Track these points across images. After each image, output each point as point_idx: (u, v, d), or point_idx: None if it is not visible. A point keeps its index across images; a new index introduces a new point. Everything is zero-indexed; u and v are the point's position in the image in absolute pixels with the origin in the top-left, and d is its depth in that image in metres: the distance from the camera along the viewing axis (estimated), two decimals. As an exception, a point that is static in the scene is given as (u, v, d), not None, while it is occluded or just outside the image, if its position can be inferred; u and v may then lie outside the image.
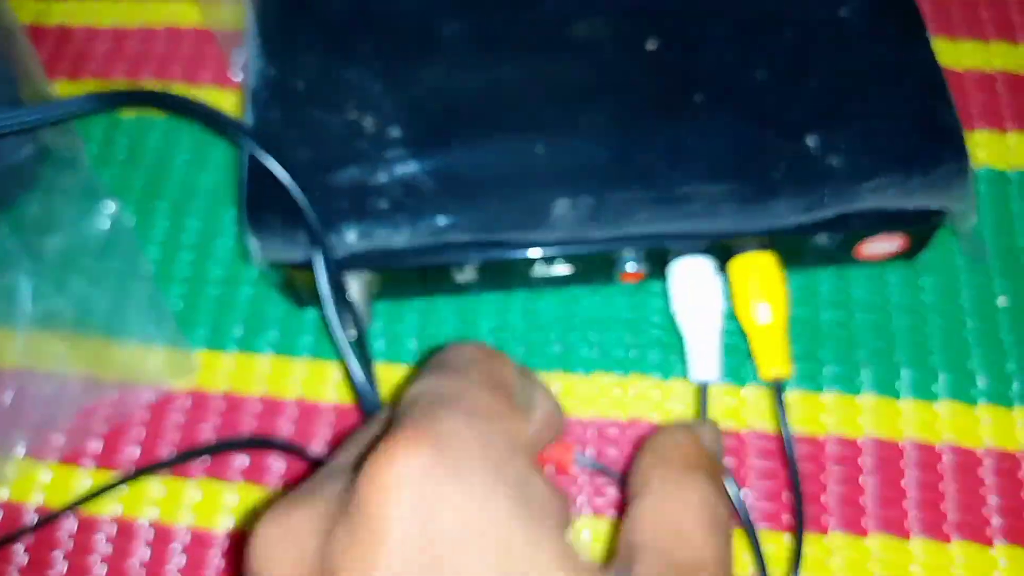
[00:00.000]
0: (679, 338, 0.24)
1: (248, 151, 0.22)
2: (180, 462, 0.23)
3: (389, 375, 0.24)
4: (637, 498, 0.15)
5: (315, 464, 0.23)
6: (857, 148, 0.22)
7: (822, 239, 0.23)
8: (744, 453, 0.23)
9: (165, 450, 0.24)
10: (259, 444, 0.24)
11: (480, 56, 0.24)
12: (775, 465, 0.23)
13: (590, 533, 0.22)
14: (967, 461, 0.23)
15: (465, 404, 0.13)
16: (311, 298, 0.25)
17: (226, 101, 0.29)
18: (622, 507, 0.16)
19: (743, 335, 0.23)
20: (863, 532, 0.22)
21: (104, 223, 0.26)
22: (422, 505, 0.11)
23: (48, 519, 0.23)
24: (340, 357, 0.25)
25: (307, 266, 0.22)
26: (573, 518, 0.13)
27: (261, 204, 0.22)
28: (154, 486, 0.23)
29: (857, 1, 0.25)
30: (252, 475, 0.23)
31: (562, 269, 0.23)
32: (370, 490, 0.11)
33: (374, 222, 0.22)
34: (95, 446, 0.24)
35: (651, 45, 0.24)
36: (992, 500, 0.22)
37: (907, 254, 0.24)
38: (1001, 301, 0.25)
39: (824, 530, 0.22)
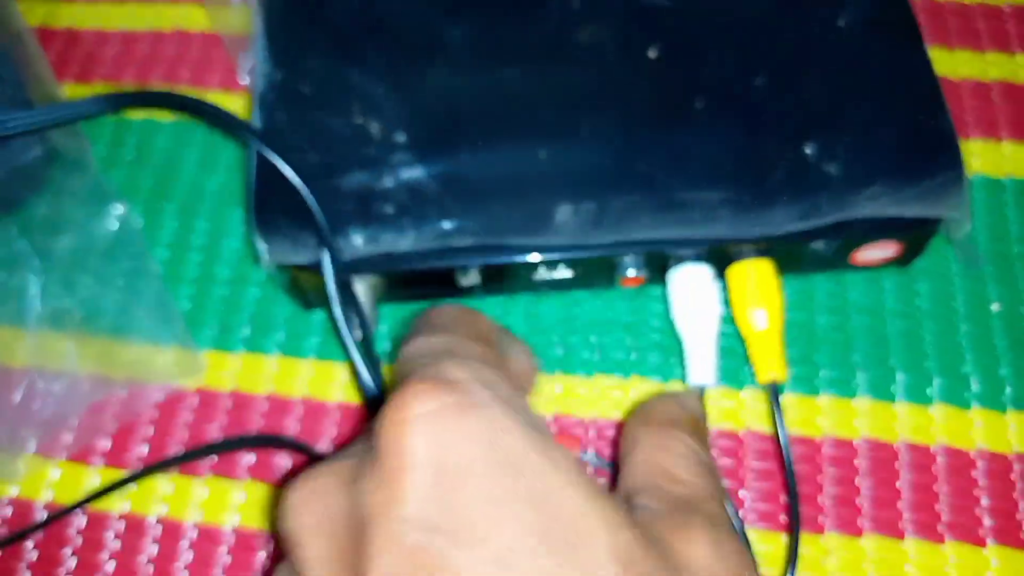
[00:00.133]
0: (678, 342, 0.24)
1: (258, 152, 0.23)
2: (189, 459, 0.24)
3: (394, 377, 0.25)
4: (628, 455, 0.15)
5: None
6: (854, 156, 0.23)
7: (819, 246, 0.23)
8: (742, 455, 0.23)
9: (173, 448, 0.24)
10: (266, 442, 0.24)
11: (484, 63, 0.24)
12: (772, 466, 0.23)
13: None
14: (960, 463, 0.23)
15: (460, 353, 0.13)
16: (318, 300, 0.25)
17: (233, 105, 0.29)
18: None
19: (741, 340, 0.24)
20: (858, 532, 0.23)
21: (112, 224, 0.26)
22: (439, 439, 0.12)
23: (58, 516, 0.23)
24: (347, 358, 0.25)
25: (314, 268, 0.22)
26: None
27: (269, 206, 0.23)
28: (162, 483, 0.24)
29: (855, 11, 0.25)
30: (259, 473, 0.24)
31: (564, 273, 0.24)
32: (388, 434, 0.12)
33: (380, 226, 0.22)
34: (104, 444, 0.25)
35: (652, 53, 0.24)
36: (985, 502, 0.23)
37: (902, 260, 0.25)
38: (995, 307, 0.25)
39: (820, 530, 0.23)
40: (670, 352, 0.25)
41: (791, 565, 0.22)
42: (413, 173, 0.23)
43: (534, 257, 0.23)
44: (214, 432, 0.24)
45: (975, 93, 0.29)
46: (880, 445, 0.24)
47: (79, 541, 0.23)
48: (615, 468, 0.23)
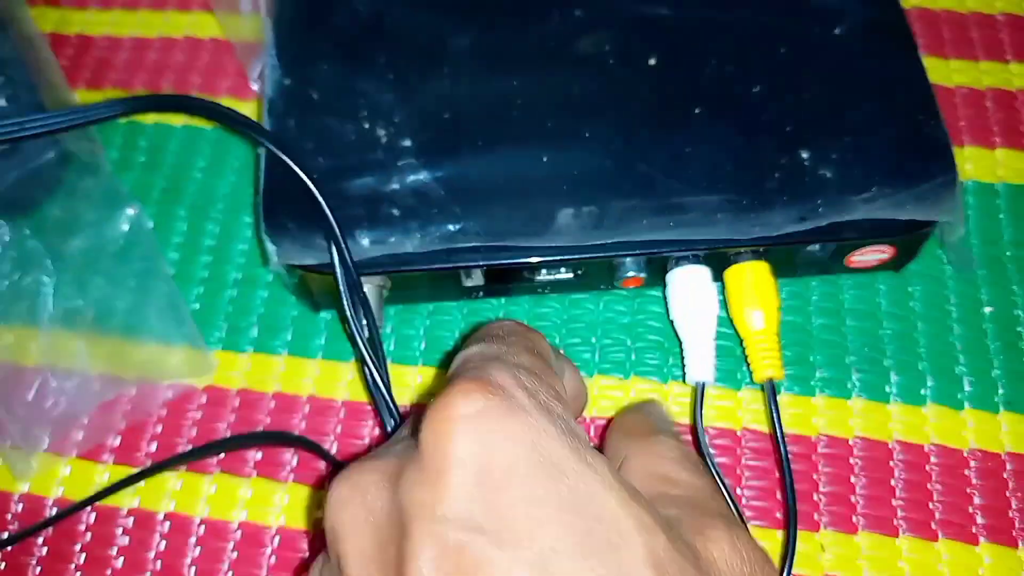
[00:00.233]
0: (677, 343, 0.25)
1: (267, 155, 0.23)
2: (198, 457, 0.24)
3: (399, 376, 0.25)
4: (619, 471, 0.16)
5: (328, 459, 0.24)
6: (850, 161, 0.23)
7: (814, 249, 0.24)
8: (739, 453, 0.24)
9: (182, 445, 0.25)
10: (274, 439, 0.25)
11: (488, 69, 0.25)
12: (769, 464, 0.24)
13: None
14: (953, 462, 0.24)
15: (509, 361, 0.14)
16: (325, 301, 0.26)
17: (243, 111, 0.30)
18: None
19: (738, 341, 0.24)
20: (853, 530, 0.23)
21: (124, 226, 0.27)
22: (483, 440, 0.12)
23: (68, 512, 0.24)
24: (355, 356, 0.26)
25: (322, 269, 0.23)
26: None
27: (278, 208, 0.23)
28: (171, 480, 0.24)
29: (851, 20, 0.26)
30: (265, 469, 0.24)
31: (565, 275, 0.24)
32: (433, 432, 0.12)
33: (386, 228, 0.23)
34: (114, 441, 0.25)
35: (652, 61, 0.25)
36: (977, 500, 0.23)
37: (896, 264, 0.25)
38: (987, 309, 0.26)
39: (816, 527, 0.23)
40: (669, 352, 0.25)
41: (787, 561, 0.22)
42: (419, 177, 0.23)
43: (536, 259, 0.23)
44: (222, 430, 0.25)
45: (969, 100, 0.29)
46: (875, 444, 0.24)
47: (88, 537, 0.24)
48: None
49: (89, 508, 0.24)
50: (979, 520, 0.23)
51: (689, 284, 0.24)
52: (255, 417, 0.25)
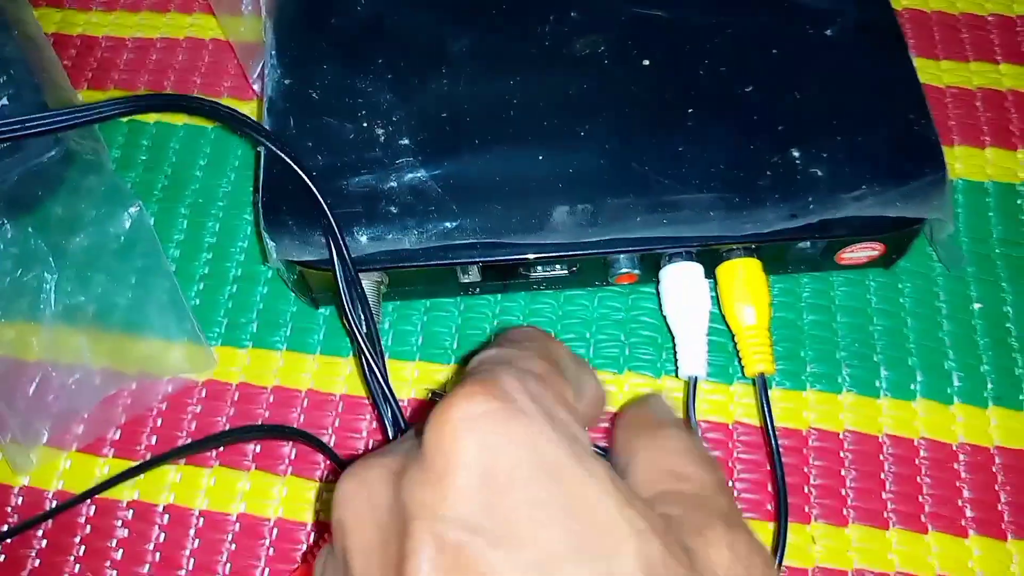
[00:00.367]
0: (669, 338, 0.25)
1: (267, 153, 0.24)
2: (197, 450, 0.25)
3: (396, 371, 0.26)
4: (629, 464, 0.16)
5: (326, 452, 0.24)
6: (840, 160, 0.24)
7: (805, 246, 0.24)
8: (731, 446, 0.24)
9: (181, 439, 0.25)
10: (273, 432, 0.25)
11: (485, 70, 0.25)
12: (760, 458, 0.24)
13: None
14: (943, 456, 0.24)
15: (519, 366, 0.14)
16: (324, 297, 0.26)
17: (244, 110, 0.30)
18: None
19: (730, 337, 0.25)
20: (844, 522, 0.23)
21: (126, 223, 0.27)
22: (485, 443, 0.12)
23: (66, 505, 0.24)
24: (353, 352, 0.26)
25: (320, 265, 0.23)
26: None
27: (277, 205, 0.24)
28: (170, 473, 0.25)
29: (842, 21, 0.26)
30: (264, 462, 0.25)
31: (560, 271, 0.25)
32: (437, 433, 0.12)
33: (384, 226, 0.23)
34: (114, 435, 0.25)
35: (647, 61, 0.25)
36: (967, 493, 0.24)
37: (886, 261, 0.26)
38: (976, 306, 0.26)
39: (807, 520, 0.23)
40: (662, 348, 0.26)
41: (779, 553, 0.22)
42: (416, 175, 0.24)
43: (532, 255, 0.24)
44: (221, 424, 0.25)
45: (959, 100, 0.30)
46: (865, 438, 0.24)
47: (87, 529, 0.24)
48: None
49: (88, 501, 0.24)
50: (968, 513, 0.23)
51: (682, 280, 0.24)
52: (254, 411, 0.25)
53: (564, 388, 0.14)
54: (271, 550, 0.23)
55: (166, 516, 0.24)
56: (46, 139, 0.27)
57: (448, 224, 0.23)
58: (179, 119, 0.30)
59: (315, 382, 0.26)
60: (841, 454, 0.24)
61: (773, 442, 0.23)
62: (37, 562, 0.24)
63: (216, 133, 0.30)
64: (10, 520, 0.24)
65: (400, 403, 0.23)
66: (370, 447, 0.25)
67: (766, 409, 0.23)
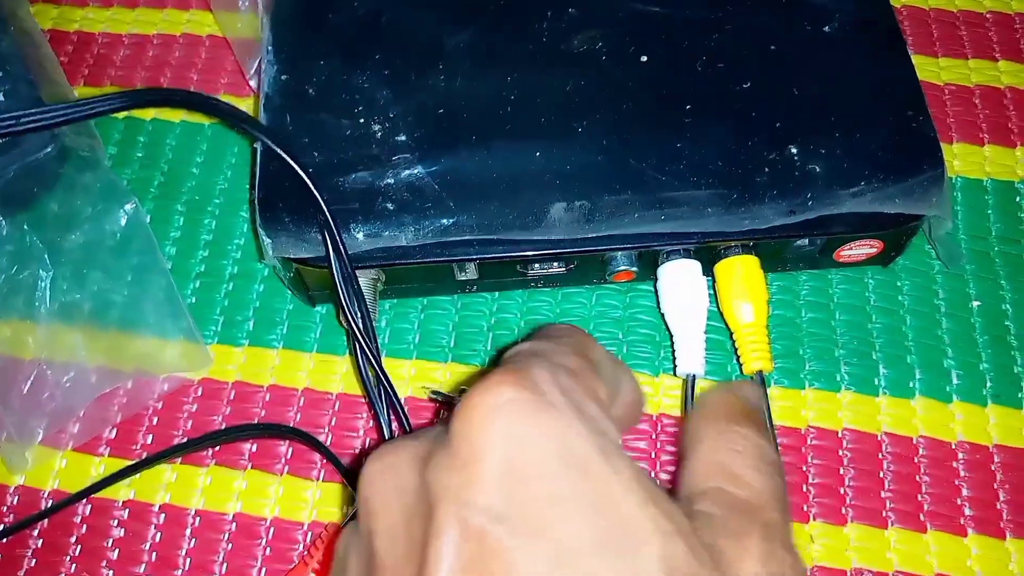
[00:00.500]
0: (668, 336, 0.25)
1: (263, 150, 0.24)
2: (193, 449, 0.24)
3: (393, 368, 0.25)
4: (690, 452, 0.15)
5: (323, 451, 0.24)
6: (839, 156, 0.24)
7: (803, 243, 0.24)
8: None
9: (177, 438, 0.25)
10: (269, 431, 0.25)
11: (482, 67, 0.25)
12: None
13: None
14: (942, 455, 0.24)
15: (553, 360, 0.14)
16: (320, 295, 0.26)
17: (241, 107, 0.30)
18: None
19: (729, 333, 0.25)
20: (843, 521, 0.23)
21: (122, 220, 0.27)
22: (512, 432, 0.12)
23: (62, 504, 0.24)
24: (349, 350, 0.26)
25: (316, 262, 0.23)
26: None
27: (273, 202, 0.24)
28: (166, 472, 0.24)
29: (841, 18, 0.26)
30: (260, 461, 0.25)
31: (557, 268, 0.24)
32: (465, 420, 0.12)
33: (381, 222, 0.23)
34: (110, 434, 0.25)
35: (644, 58, 0.25)
36: (965, 492, 0.23)
37: (884, 259, 0.26)
38: (975, 303, 0.26)
39: (805, 519, 0.23)
40: (660, 345, 0.26)
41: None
42: (413, 171, 0.24)
43: (529, 252, 0.23)
44: (218, 422, 0.25)
45: (958, 97, 0.30)
46: (864, 436, 0.24)
47: (84, 528, 0.24)
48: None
49: (85, 500, 0.24)
50: (967, 512, 0.23)
51: (680, 278, 0.24)
52: (250, 410, 0.25)
53: (597, 385, 0.14)
54: (267, 550, 0.23)
55: (162, 515, 0.24)
56: (42, 135, 0.26)
57: (445, 221, 0.23)
58: (176, 116, 0.30)
59: (311, 381, 0.26)
60: (840, 452, 0.24)
61: (771, 436, 0.23)
62: (33, 561, 0.24)
63: (213, 130, 0.30)
64: (6, 519, 0.24)
65: (402, 401, 0.23)
66: (367, 446, 0.25)
67: (765, 407, 0.23)
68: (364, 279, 0.24)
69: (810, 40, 0.26)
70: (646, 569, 0.11)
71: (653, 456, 0.24)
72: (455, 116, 0.24)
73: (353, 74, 0.25)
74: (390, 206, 0.23)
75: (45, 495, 0.24)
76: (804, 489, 0.24)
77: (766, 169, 0.23)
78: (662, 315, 0.25)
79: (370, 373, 0.23)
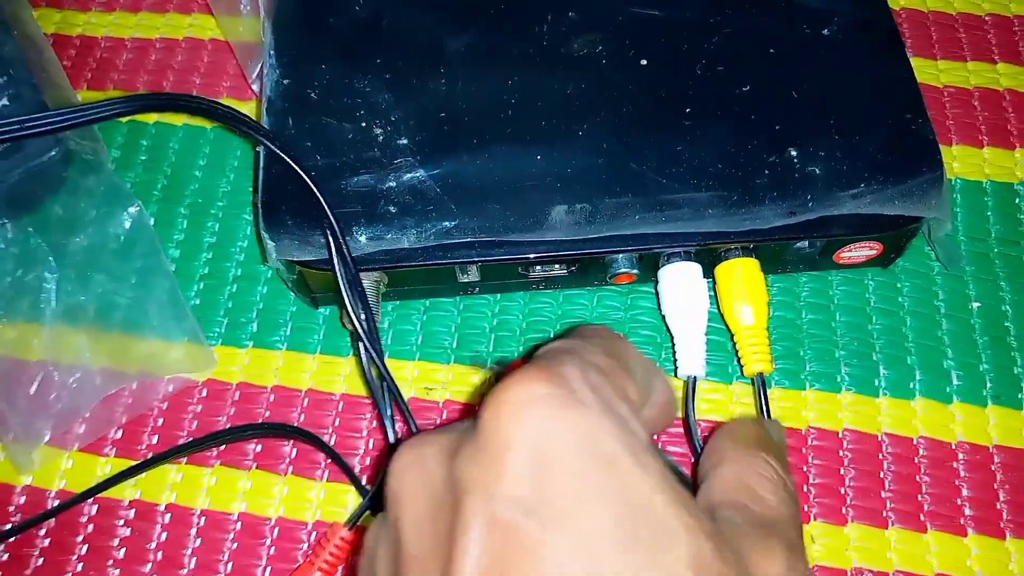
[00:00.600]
0: (669, 337, 0.25)
1: (266, 153, 0.24)
2: (199, 448, 0.25)
3: (395, 370, 0.26)
4: (714, 469, 0.16)
5: (326, 450, 0.24)
6: (838, 158, 0.24)
7: (803, 245, 0.24)
8: (730, 446, 0.24)
9: (182, 438, 0.25)
10: (273, 431, 0.25)
11: (483, 70, 0.26)
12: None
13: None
14: (942, 455, 0.24)
15: (584, 358, 0.14)
16: (324, 297, 0.26)
17: (243, 110, 0.30)
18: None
19: (730, 335, 0.25)
20: (843, 521, 0.23)
21: (126, 223, 0.27)
22: (541, 427, 0.12)
23: (68, 504, 0.24)
24: (353, 352, 0.26)
25: (320, 265, 0.23)
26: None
27: (276, 205, 0.24)
28: (171, 472, 0.25)
29: (840, 21, 0.26)
30: (265, 461, 0.25)
31: (559, 270, 0.25)
32: (494, 413, 0.13)
33: (383, 225, 0.23)
34: (115, 434, 0.25)
35: (644, 61, 0.25)
36: (966, 492, 0.24)
37: (884, 261, 0.26)
38: (975, 305, 0.26)
39: (806, 519, 0.23)
40: (661, 347, 0.26)
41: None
42: (415, 175, 0.24)
43: (530, 255, 0.24)
44: (222, 423, 0.25)
45: (957, 100, 0.30)
46: (864, 437, 0.24)
47: (90, 528, 0.24)
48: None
49: (91, 500, 0.24)
50: (967, 512, 0.23)
51: (680, 280, 0.24)
52: (254, 411, 0.25)
53: (627, 385, 0.14)
54: (272, 549, 0.24)
55: (168, 515, 0.24)
56: (46, 139, 0.27)
57: (447, 223, 0.23)
58: (179, 119, 0.30)
59: (315, 382, 0.26)
60: (840, 453, 0.24)
61: (772, 441, 0.23)
62: (40, 561, 0.24)
63: (215, 133, 0.30)
64: (13, 520, 0.24)
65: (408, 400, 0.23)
66: (370, 447, 0.25)
67: (764, 409, 0.23)
68: (367, 281, 0.24)
69: (809, 42, 0.26)
70: (675, 566, 0.12)
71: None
72: (456, 119, 0.25)
73: (355, 78, 0.26)
74: (392, 209, 0.23)
75: (51, 495, 0.25)
76: (805, 489, 0.24)
77: (766, 171, 0.23)
78: (663, 317, 0.25)
79: (375, 374, 0.23)
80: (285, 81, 0.26)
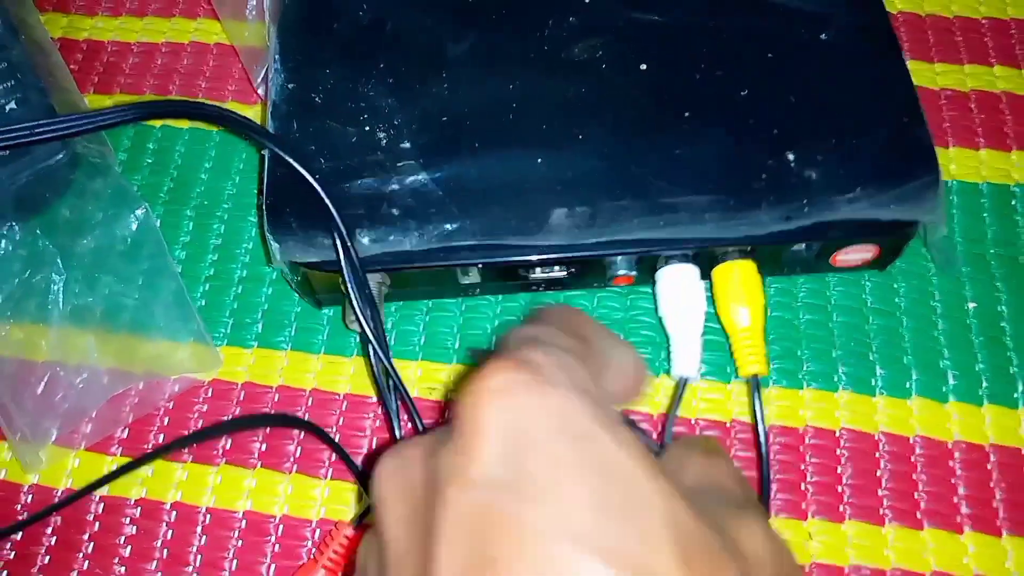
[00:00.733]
0: (667, 338, 0.25)
1: (271, 156, 0.24)
2: (207, 437, 0.25)
3: (399, 370, 0.26)
4: (675, 474, 0.16)
5: (330, 443, 0.25)
6: (835, 162, 0.24)
7: (800, 248, 0.24)
8: (729, 443, 0.25)
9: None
10: (277, 421, 0.25)
11: (485, 74, 0.26)
12: (756, 455, 0.24)
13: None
14: (938, 454, 0.24)
15: (547, 341, 0.14)
16: (327, 298, 0.26)
17: (248, 114, 0.31)
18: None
19: (727, 336, 0.25)
20: (840, 519, 0.24)
21: (133, 225, 0.27)
22: (513, 410, 0.13)
23: (70, 499, 0.24)
24: (361, 351, 0.26)
25: (323, 266, 0.24)
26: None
27: (281, 207, 0.24)
28: (177, 470, 0.25)
29: (837, 25, 0.26)
30: (269, 460, 0.25)
31: (558, 273, 0.25)
32: (466, 404, 0.13)
33: (386, 227, 0.24)
34: (122, 434, 0.26)
35: (644, 66, 0.26)
36: (962, 490, 0.24)
37: (880, 264, 0.26)
38: (971, 305, 0.26)
39: (804, 516, 0.24)
40: (661, 348, 0.26)
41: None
42: (417, 178, 0.24)
43: (531, 257, 0.24)
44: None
45: (953, 102, 0.30)
46: (861, 435, 0.25)
47: (96, 526, 0.24)
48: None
49: (97, 498, 0.25)
50: (964, 510, 0.24)
51: (677, 282, 0.24)
52: (259, 410, 0.26)
53: (592, 361, 0.15)
54: (277, 547, 0.24)
55: (173, 513, 0.24)
56: (54, 143, 0.27)
57: (448, 226, 0.23)
58: (184, 123, 0.31)
59: (319, 381, 0.26)
60: (837, 451, 0.24)
61: (763, 444, 0.23)
62: (47, 559, 0.24)
63: (221, 137, 0.30)
64: (20, 518, 0.25)
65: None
66: (375, 446, 0.25)
67: (759, 411, 0.23)
68: (370, 282, 0.24)
69: (807, 47, 0.26)
70: (653, 530, 0.12)
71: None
72: (459, 123, 0.25)
73: (359, 82, 0.26)
74: (395, 211, 0.24)
75: (58, 494, 0.25)
76: (802, 487, 0.24)
77: (763, 175, 0.24)
78: (660, 318, 0.25)
79: (382, 374, 0.23)
80: (290, 85, 0.26)
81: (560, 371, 0.13)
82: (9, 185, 0.26)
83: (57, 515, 0.25)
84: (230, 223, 0.29)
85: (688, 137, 0.24)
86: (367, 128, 0.25)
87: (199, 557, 0.24)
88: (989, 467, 0.24)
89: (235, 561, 0.24)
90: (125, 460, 0.25)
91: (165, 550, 0.24)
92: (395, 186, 0.24)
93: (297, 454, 0.25)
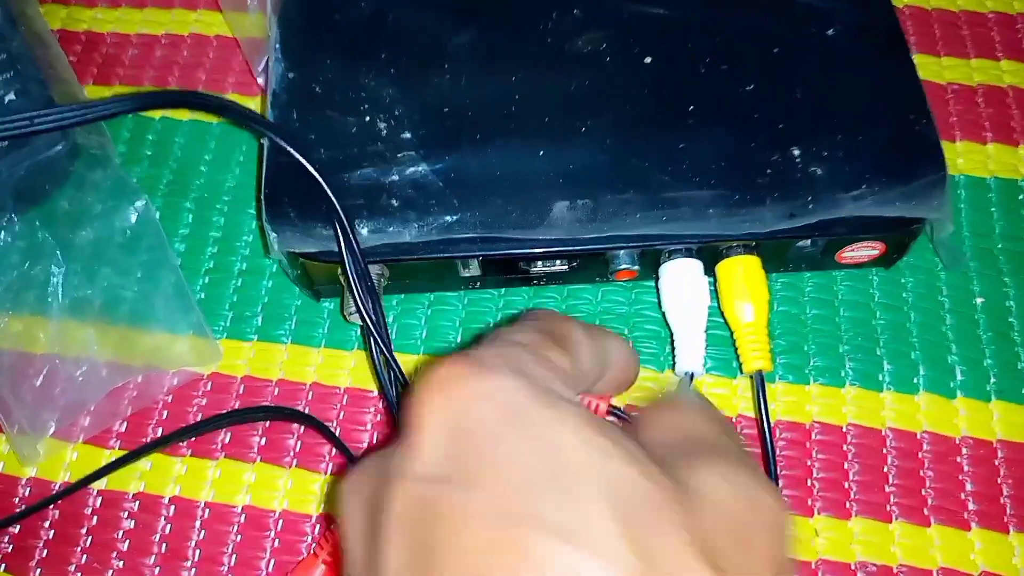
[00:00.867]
0: (671, 332, 0.25)
1: (270, 147, 0.24)
2: (204, 430, 0.25)
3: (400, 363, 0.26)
4: (640, 431, 0.16)
5: (330, 437, 0.24)
6: (840, 159, 0.24)
7: (805, 244, 0.24)
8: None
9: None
10: (275, 413, 0.25)
11: (487, 66, 0.26)
12: (762, 451, 0.24)
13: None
14: (946, 450, 0.24)
15: (506, 338, 0.15)
16: (326, 290, 0.26)
17: (249, 105, 0.30)
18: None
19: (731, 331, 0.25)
20: (847, 515, 0.23)
21: (132, 217, 0.27)
22: (450, 401, 0.13)
23: (68, 492, 0.24)
24: (362, 343, 0.26)
25: (322, 257, 0.23)
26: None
27: (279, 197, 0.24)
28: (176, 464, 0.25)
29: (843, 21, 0.26)
30: (268, 454, 0.25)
31: (560, 266, 0.25)
32: (410, 404, 0.13)
33: (385, 218, 0.23)
34: (120, 427, 0.25)
35: (648, 59, 0.26)
36: (969, 487, 0.24)
37: (886, 261, 0.26)
38: (979, 300, 0.26)
39: (810, 513, 0.23)
40: (665, 342, 0.26)
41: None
42: (418, 169, 0.24)
43: (532, 250, 0.24)
44: (226, 416, 0.25)
45: (961, 97, 0.30)
46: (868, 431, 0.24)
47: (94, 520, 0.24)
48: None
49: (95, 492, 0.25)
50: (971, 506, 0.23)
51: (680, 277, 0.24)
52: (259, 403, 0.25)
53: (551, 353, 0.15)
54: (276, 542, 0.24)
55: (172, 508, 0.24)
56: (53, 134, 0.27)
57: (448, 218, 0.23)
58: (184, 114, 0.30)
59: (319, 375, 0.26)
60: (844, 447, 0.24)
61: (768, 436, 0.23)
62: (44, 552, 0.24)
63: (221, 128, 0.30)
64: (18, 510, 0.24)
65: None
66: (375, 440, 0.25)
67: (763, 407, 0.23)
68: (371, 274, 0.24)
69: (813, 43, 0.26)
70: (588, 496, 0.12)
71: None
72: (460, 115, 0.25)
73: (359, 73, 0.26)
74: (395, 203, 0.23)
75: (56, 487, 0.25)
76: (809, 483, 0.24)
77: (768, 171, 0.23)
78: (663, 313, 0.25)
79: (383, 366, 0.23)
80: (290, 76, 0.26)
81: (505, 360, 0.13)
82: (8, 176, 0.26)
83: (55, 508, 0.24)
84: (230, 215, 0.29)
85: (692, 132, 0.24)
86: (367, 118, 0.25)
87: (198, 552, 0.24)
88: (997, 463, 0.24)
89: (234, 556, 0.23)
90: (123, 454, 0.25)
91: (163, 544, 0.24)
92: (395, 177, 0.24)
93: (297, 448, 0.25)
